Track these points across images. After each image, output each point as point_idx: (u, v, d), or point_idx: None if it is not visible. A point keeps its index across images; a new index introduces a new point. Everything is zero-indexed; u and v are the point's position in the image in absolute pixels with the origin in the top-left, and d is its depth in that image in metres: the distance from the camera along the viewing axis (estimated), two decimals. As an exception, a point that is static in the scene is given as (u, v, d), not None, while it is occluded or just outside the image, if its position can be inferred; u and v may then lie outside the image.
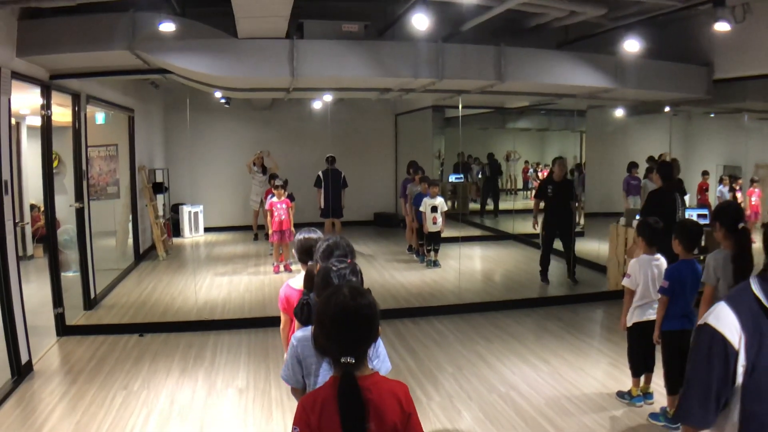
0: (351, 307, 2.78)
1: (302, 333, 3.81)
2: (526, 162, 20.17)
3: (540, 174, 19.81)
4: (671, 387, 6.41)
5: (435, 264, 13.60)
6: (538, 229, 12.11)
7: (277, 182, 13.20)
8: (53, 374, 7.80)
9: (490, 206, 19.23)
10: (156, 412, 6.72)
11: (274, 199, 13.01)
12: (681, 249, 6.28)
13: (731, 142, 13.82)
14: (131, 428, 6.32)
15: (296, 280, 5.07)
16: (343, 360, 2.74)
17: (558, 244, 12.21)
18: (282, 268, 13.34)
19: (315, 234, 5.14)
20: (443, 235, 13.59)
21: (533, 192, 17.91)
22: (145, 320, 9.91)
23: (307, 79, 9.39)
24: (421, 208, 13.35)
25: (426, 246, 13.81)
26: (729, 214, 5.77)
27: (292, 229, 12.98)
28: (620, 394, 6.98)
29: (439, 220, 13.25)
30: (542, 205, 11.99)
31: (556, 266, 12.40)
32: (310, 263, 4.81)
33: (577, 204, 12.05)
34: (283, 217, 12.92)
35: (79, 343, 9.02)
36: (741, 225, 5.30)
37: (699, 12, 9.78)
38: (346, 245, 4.43)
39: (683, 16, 10.13)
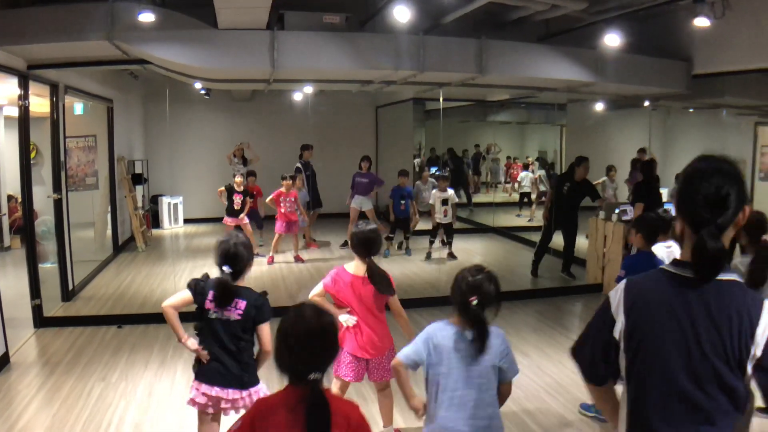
0: (316, 327, 2.88)
1: (436, 324, 4.07)
2: (508, 158, 20.13)
3: (512, 167, 19.84)
4: None
5: (452, 257, 13.60)
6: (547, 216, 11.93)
7: (285, 174, 13.23)
8: (30, 366, 7.75)
9: (462, 200, 19.23)
10: (134, 403, 6.69)
11: (283, 189, 13.04)
12: (642, 242, 6.24)
13: (709, 138, 13.92)
14: (109, 420, 6.29)
15: (350, 265, 5.42)
16: (312, 377, 2.83)
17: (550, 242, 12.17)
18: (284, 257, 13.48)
19: (371, 225, 5.46)
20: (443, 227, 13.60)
21: (511, 185, 17.96)
22: (123, 312, 9.86)
23: (288, 70, 9.36)
24: (431, 201, 13.42)
25: (430, 238, 13.86)
26: None
27: (306, 218, 13.36)
28: (585, 407, 6.63)
29: (450, 212, 13.29)
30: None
31: (544, 260, 12.36)
32: (367, 259, 5.34)
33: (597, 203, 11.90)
34: (290, 209, 13.00)
35: (57, 334, 8.97)
36: None
37: (679, 7, 9.80)
38: (240, 244, 4.67)
39: (663, 11, 10.16)
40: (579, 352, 2.80)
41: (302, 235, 14.92)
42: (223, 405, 4.58)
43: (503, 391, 4.06)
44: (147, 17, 8.07)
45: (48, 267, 10.97)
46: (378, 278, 5.34)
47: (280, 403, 2.87)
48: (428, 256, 13.73)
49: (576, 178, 11.57)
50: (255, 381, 4.69)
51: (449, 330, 4.00)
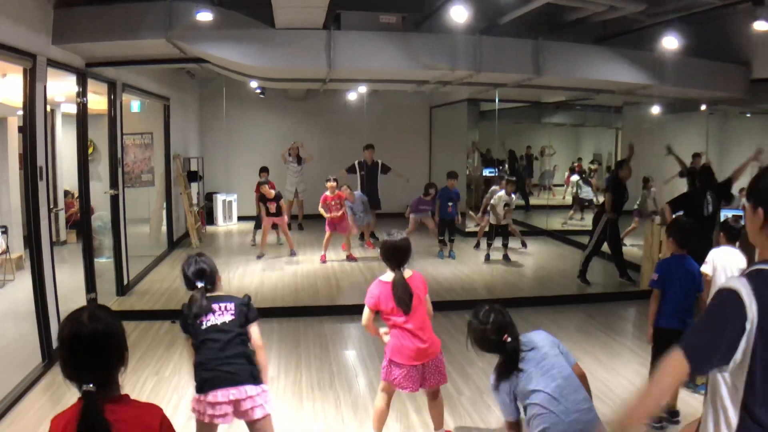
0: (85, 332, 2.68)
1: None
2: (580, 160, 19.83)
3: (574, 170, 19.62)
4: None
5: (507, 259, 13.51)
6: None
7: (330, 177, 13.28)
8: (85, 359, 7.81)
9: (520, 201, 19.09)
10: (186, 398, 6.71)
11: (328, 193, 13.12)
12: (674, 247, 6.22)
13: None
14: (161, 415, 6.34)
15: (387, 276, 5.27)
16: (84, 388, 2.65)
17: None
18: (330, 256, 13.52)
19: (402, 234, 5.33)
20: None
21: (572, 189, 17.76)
22: (177, 307, 9.78)
23: (344, 70, 9.39)
24: (493, 201, 13.33)
25: (488, 240, 13.75)
26: None
27: (351, 226, 13.48)
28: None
29: (508, 214, 13.24)
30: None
31: (596, 263, 12.17)
32: (396, 271, 5.23)
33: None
34: (338, 213, 13.08)
35: (111, 328, 9.04)
36: None
37: (738, 10, 9.66)
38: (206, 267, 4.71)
39: (722, 14, 10.01)
40: (697, 348, 2.67)
41: (360, 234, 14.90)
42: (244, 406, 4.46)
43: (579, 373, 4.37)
44: (205, 16, 8.14)
45: (103, 261, 11.12)
46: (400, 292, 5.19)
47: (69, 416, 2.67)
48: (487, 258, 13.62)
49: (623, 179, 11.49)
50: (261, 378, 4.64)
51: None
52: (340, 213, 13.04)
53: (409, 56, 9.33)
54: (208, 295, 4.62)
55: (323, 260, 13.29)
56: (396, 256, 5.21)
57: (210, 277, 4.69)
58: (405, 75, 10.57)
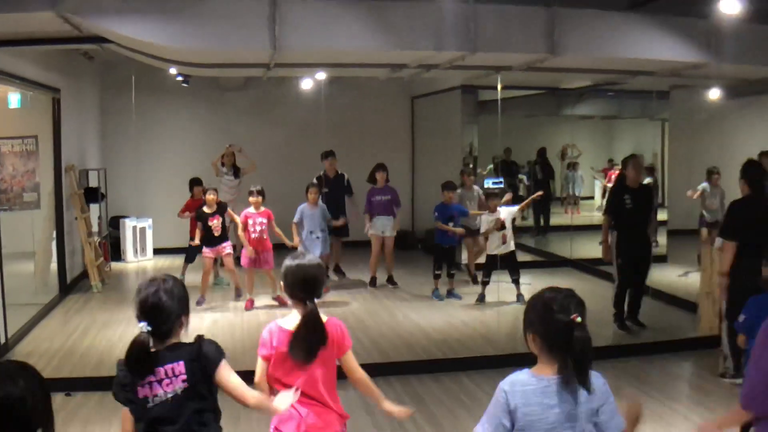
0: None
1: (515, 377, 3.96)
2: (610, 161, 19.79)
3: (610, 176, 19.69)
4: None
5: (521, 299, 13.21)
6: (610, 257, 11.68)
7: (253, 188, 13.17)
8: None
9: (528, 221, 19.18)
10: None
11: (251, 209, 13.05)
12: None
13: None
14: None
15: (289, 320, 5.05)
16: None
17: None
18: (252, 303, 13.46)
19: (311, 258, 5.15)
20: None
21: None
22: (72, 374, 9.84)
23: (294, 51, 9.41)
24: (480, 226, 13.34)
25: (483, 276, 13.66)
26: None
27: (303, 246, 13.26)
28: None
29: (509, 237, 13.22)
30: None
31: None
32: (308, 304, 4.90)
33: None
34: (264, 236, 13.02)
35: (-15, 405, 8.98)
36: None
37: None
38: None
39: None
40: None
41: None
42: None
43: None
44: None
45: (-29, 313, 11.07)
46: (307, 334, 4.90)
47: None
48: (481, 299, 13.62)
49: (631, 185, 11.45)
50: None
51: (534, 381, 3.95)
52: (262, 237, 13.00)
53: (380, 32, 9.35)
54: (156, 348, 4.32)
55: (249, 307, 13.29)
56: (304, 286, 4.98)
57: (163, 316, 4.33)
58: (376, 57, 10.61)
